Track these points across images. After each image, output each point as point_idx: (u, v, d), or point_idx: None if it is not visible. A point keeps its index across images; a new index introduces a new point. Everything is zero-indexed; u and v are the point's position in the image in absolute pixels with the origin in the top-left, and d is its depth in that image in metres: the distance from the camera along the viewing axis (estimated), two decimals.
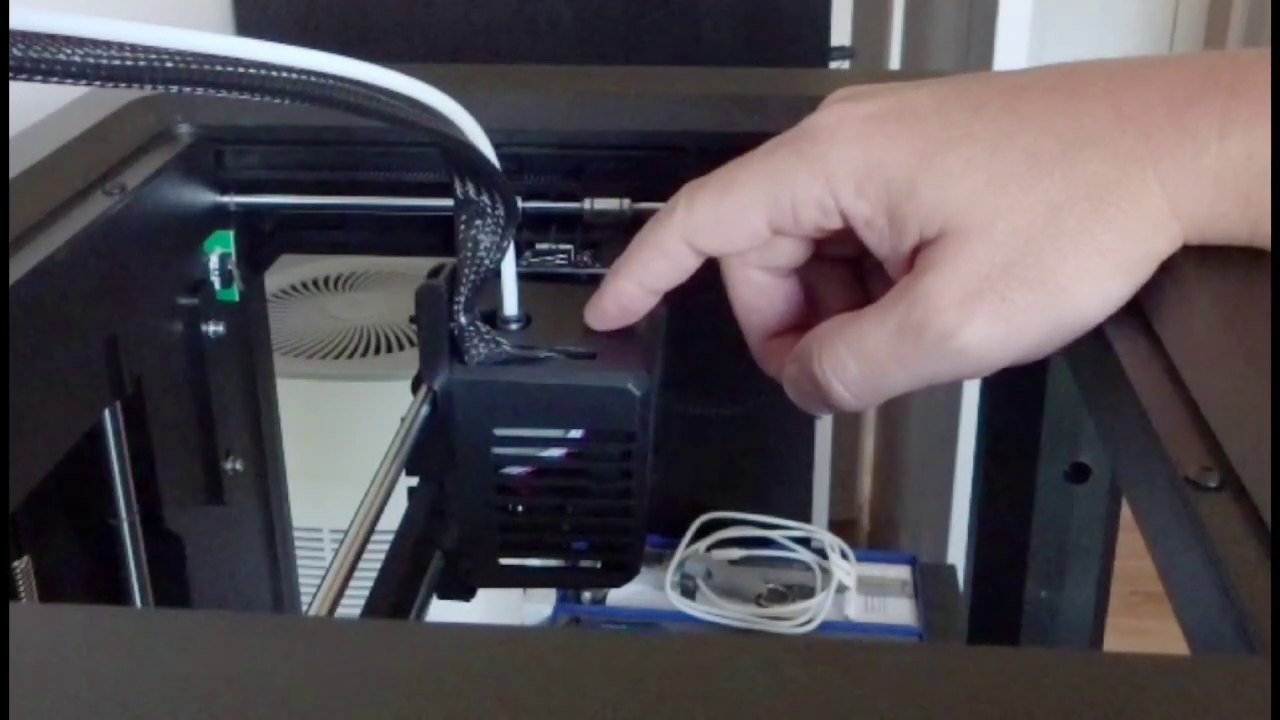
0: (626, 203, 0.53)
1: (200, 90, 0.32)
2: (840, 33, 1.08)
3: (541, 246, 0.50)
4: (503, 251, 0.43)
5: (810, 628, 0.85)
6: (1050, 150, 0.36)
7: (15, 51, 0.28)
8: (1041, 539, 0.58)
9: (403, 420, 0.44)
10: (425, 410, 0.44)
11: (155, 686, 0.22)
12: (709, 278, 0.43)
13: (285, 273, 1.16)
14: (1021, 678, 0.22)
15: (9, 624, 0.23)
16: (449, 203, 0.43)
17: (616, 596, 0.88)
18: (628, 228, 0.49)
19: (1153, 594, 1.58)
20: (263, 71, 0.32)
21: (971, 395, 1.22)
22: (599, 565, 0.48)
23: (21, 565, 0.45)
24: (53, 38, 0.29)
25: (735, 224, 0.40)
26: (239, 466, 0.59)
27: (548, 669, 0.23)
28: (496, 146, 0.41)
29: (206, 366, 0.55)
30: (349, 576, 0.36)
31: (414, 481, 0.47)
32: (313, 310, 1.10)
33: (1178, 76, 0.36)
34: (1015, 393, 0.56)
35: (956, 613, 0.86)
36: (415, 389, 0.45)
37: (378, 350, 1.04)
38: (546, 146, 0.54)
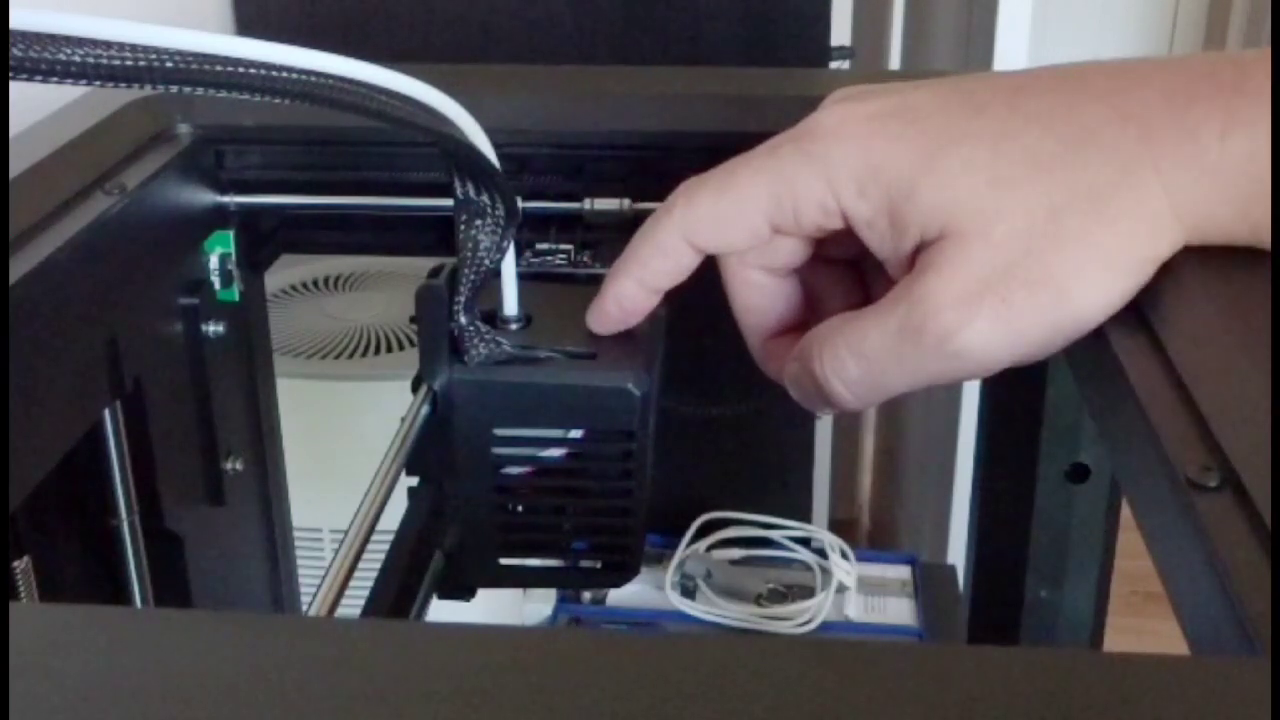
0: (626, 203, 0.53)
1: (200, 90, 0.32)
2: (840, 33, 1.08)
3: (541, 246, 0.50)
4: (503, 251, 0.43)
5: (810, 628, 0.85)
6: (1051, 151, 0.36)
7: (15, 51, 0.28)
8: (1041, 539, 0.58)
9: (403, 420, 0.44)
10: (425, 410, 0.44)
11: (155, 686, 0.22)
12: (709, 277, 0.43)
13: (285, 273, 1.15)
14: (1021, 678, 0.22)
15: (9, 624, 0.23)
16: (449, 203, 0.43)
17: (616, 596, 0.88)
18: (628, 228, 0.49)
19: (1153, 594, 1.58)
20: (263, 71, 0.32)
21: (971, 395, 1.22)
22: (599, 565, 0.48)
23: (21, 565, 0.45)
24: (53, 38, 0.29)
25: (735, 222, 0.40)
26: (239, 466, 0.59)
27: (548, 669, 0.23)
28: (497, 146, 0.41)
29: (206, 366, 0.55)
30: (349, 576, 0.36)
31: (414, 481, 0.47)
32: (313, 310, 1.10)
33: (1179, 77, 0.36)
34: (1015, 393, 0.56)
35: (956, 613, 0.86)
36: (415, 389, 0.45)
37: (378, 350, 1.04)
38: (546, 146, 0.54)
